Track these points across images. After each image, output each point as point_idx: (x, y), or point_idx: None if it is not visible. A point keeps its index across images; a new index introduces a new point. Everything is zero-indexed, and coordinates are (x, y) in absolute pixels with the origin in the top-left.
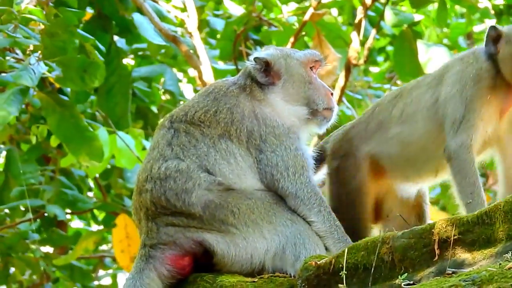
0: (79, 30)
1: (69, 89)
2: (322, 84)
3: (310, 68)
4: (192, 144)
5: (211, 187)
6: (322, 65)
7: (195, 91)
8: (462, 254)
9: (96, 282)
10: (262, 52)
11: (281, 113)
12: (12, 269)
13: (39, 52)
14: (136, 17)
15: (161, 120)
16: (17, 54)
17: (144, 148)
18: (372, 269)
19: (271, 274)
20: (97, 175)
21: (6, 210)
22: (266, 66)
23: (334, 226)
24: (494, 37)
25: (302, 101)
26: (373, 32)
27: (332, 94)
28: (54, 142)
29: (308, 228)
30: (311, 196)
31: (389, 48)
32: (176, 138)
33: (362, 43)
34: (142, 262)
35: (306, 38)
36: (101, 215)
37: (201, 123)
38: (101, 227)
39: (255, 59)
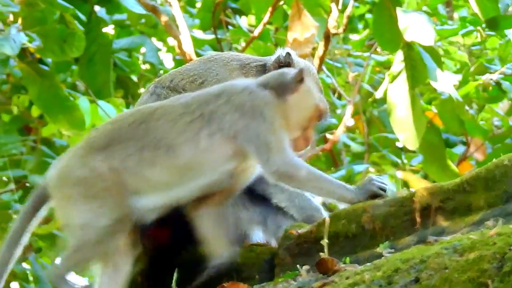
0: (59, 0)
1: (49, 60)
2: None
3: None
4: None
5: None
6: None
7: (175, 60)
8: (443, 222)
9: None
10: (297, 56)
11: None
12: None
13: (19, 22)
14: None
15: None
16: None
17: None
18: (353, 237)
19: (252, 243)
20: None
21: None
22: (286, 66)
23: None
24: (299, 79)
25: None
26: (351, 0)
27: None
28: (35, 112)
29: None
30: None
31: (369, 16)
32: None
33: (342, 11)
34: None
35: (285, 7)
36: None
37: (183, 91)
38: None
39: (288, 53)
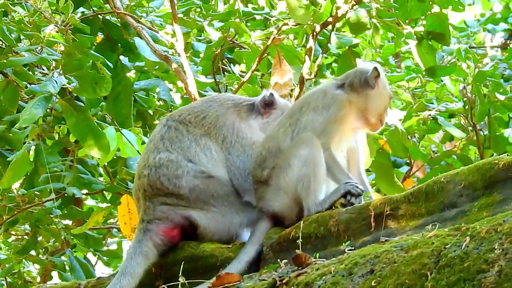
0: (91, 51)
1: (84, 97)
2: None
3: None
4: (178, 138)
5: (197, 175)
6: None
7: (182, 98)
8: (393, 226)
9: (105, 248)
10: (278, 96)
11: (253, 131)
12: (40, 238)
13: (60, 68)
14: (137, 40)
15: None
16: (43, 69)
17: (143, 143)
18: (322, 238)
19: (243, 242)
20: (106, 164)
21: (36, 192)
22: (270, 103)
23: None
24: (376, 75)
25: None
26: (321, 53)
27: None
28: (72, 138)
29: None
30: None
31: (335, 65)
32: (167, 133)
33: (313, 61)
34: (140, 234)
35: (269, 57)
36: (109, 195)
37: (189, 123)
38: (109, 204)
39: (271, 94)
